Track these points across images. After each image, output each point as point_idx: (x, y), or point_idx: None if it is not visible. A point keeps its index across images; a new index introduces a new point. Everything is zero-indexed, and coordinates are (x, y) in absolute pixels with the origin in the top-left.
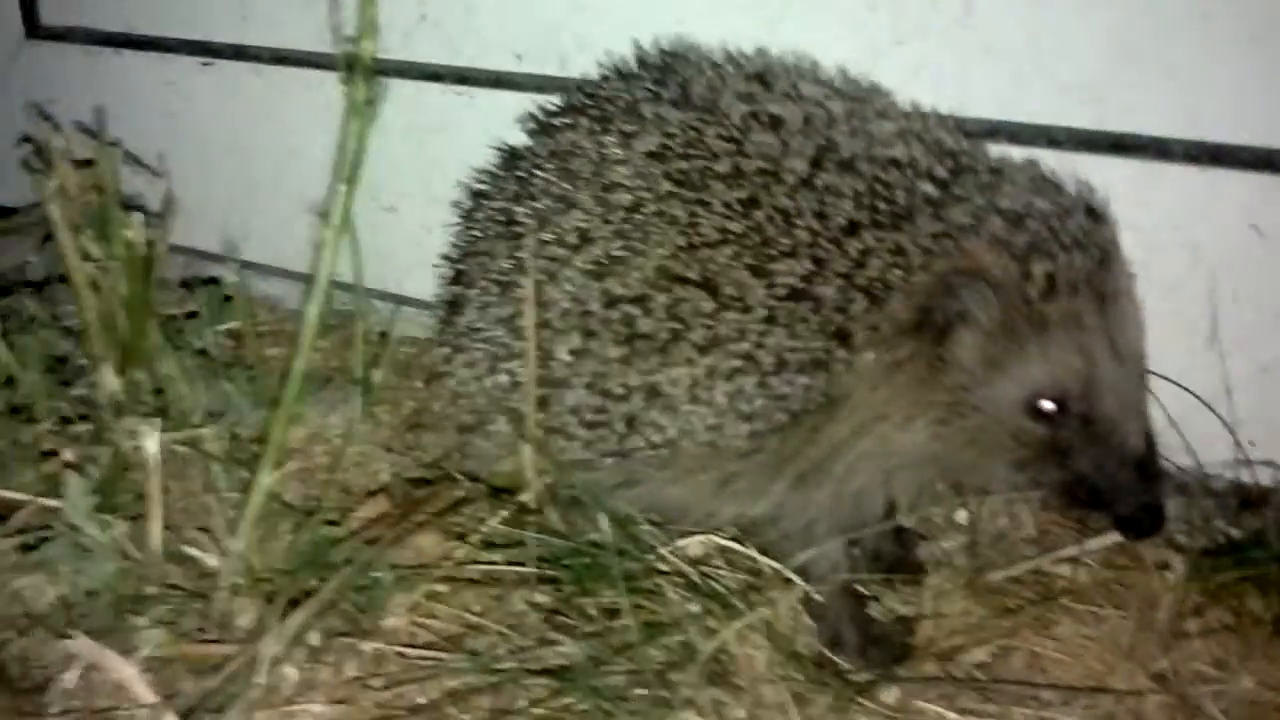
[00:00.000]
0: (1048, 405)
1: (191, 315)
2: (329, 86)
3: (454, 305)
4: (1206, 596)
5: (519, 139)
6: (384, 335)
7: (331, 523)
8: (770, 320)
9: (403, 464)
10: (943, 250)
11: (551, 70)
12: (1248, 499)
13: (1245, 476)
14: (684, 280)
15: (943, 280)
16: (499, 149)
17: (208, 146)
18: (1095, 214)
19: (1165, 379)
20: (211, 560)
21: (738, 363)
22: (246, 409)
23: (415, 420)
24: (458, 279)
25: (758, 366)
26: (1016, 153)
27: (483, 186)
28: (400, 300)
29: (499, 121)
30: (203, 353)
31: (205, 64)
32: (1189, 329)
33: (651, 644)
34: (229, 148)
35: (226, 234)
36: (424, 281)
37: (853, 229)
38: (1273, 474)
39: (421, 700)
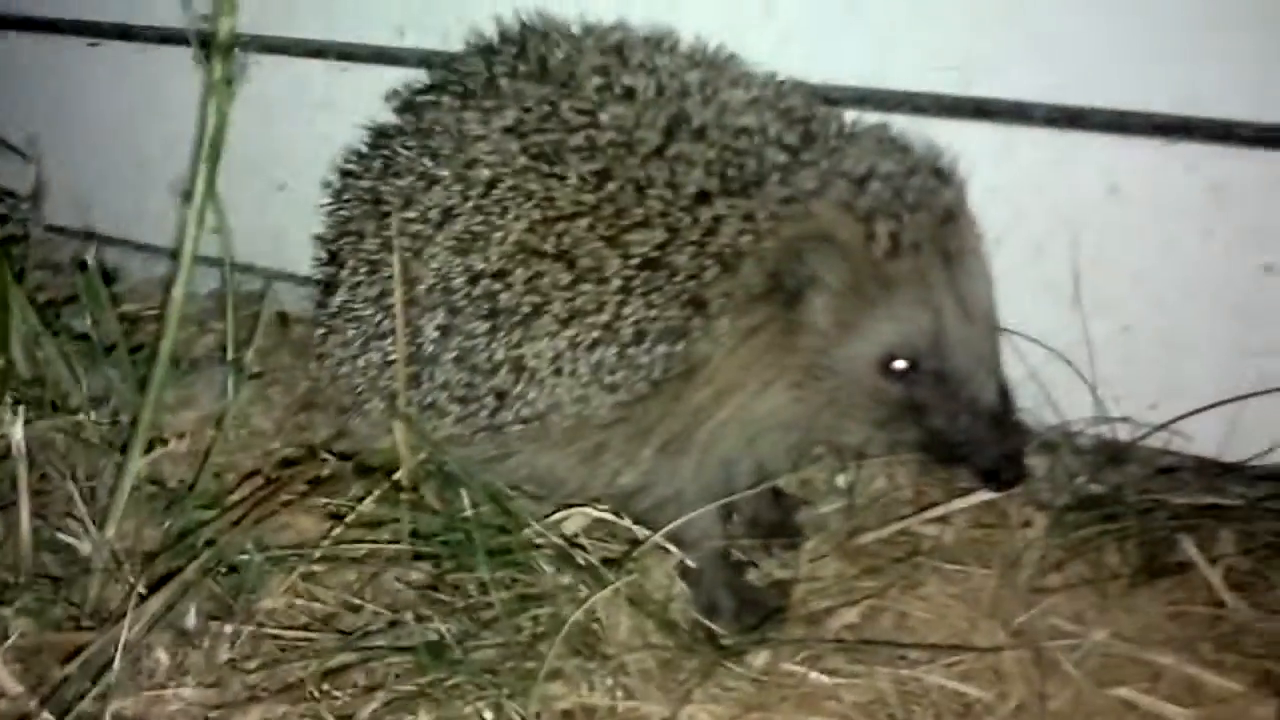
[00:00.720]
0: (900, 363)
1: (72, 300)
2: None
3: (328, 286)
4: (1067, 551)
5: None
6: (282, 316)
7: (208, 506)
8: (626, 291)
9: (295, 444)
10: (790, 215)
11: (434, 44)
12: (1109, 455)
13: (1106, 433)
14: (541, 254)
15: (790, 245)
16: (367, 128)
17: (97, 128)
18: (941, 174)
19: (1030, 339)
20: (84, 546)
21: (597, 334)
22: (128, 393)
23: (308, 400)
24: (331, 259)
25: (617, 337)
26: (884, 120)
27: (351, 166)
28: (293, 279)
29: (384, 97)
30: (85, 337)
31: (92, 44)
32: (1053, 290)
33: (520, 616)
34: (118, 129)
35: (116, 215)
36: None
37: (704, 197)
38: (1132, 430)
39: (292, 680)
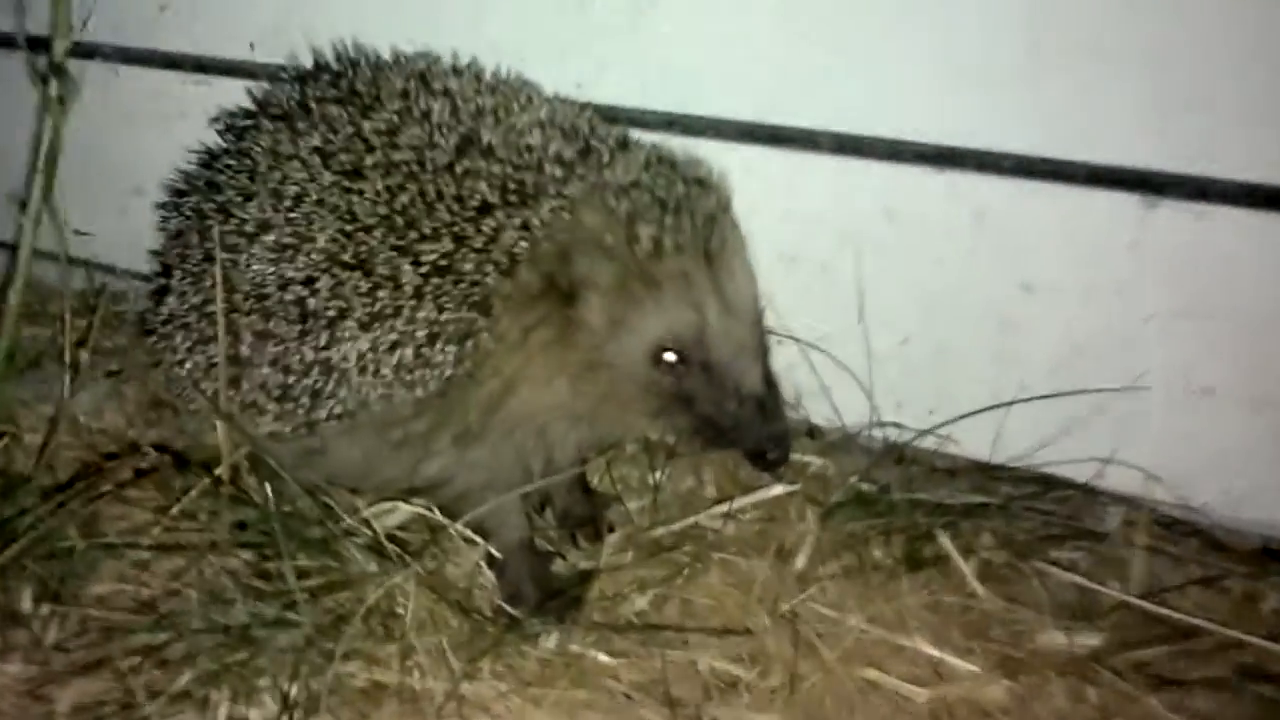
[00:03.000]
0: (669, 356)
1: None
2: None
3: (159, 294)
4: (838, 545)
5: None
6: (142, 316)
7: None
8: (419, 296)
9: (146, 439)
10: (560, 223)
11: (283, 59)
12: (888, 457)
13: (885, 437)
14: (343, 263)
15: (561, 248)
16: (194, 151)
17: None
18: (702, 182)
19: (819, 349)
20: None
21: (395, 336)
22: None
23: (161, 398)
24: (162, 271)
25: (413, 339)
26: (690, 143)
27: (179, 185)
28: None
29: (209, 119)
30: None
31: None
32: (841, 306)
33: (327, 600)
34: None
35: None
36: None
37: (486, 209)
38: (900, 434)
39: (113, 659)
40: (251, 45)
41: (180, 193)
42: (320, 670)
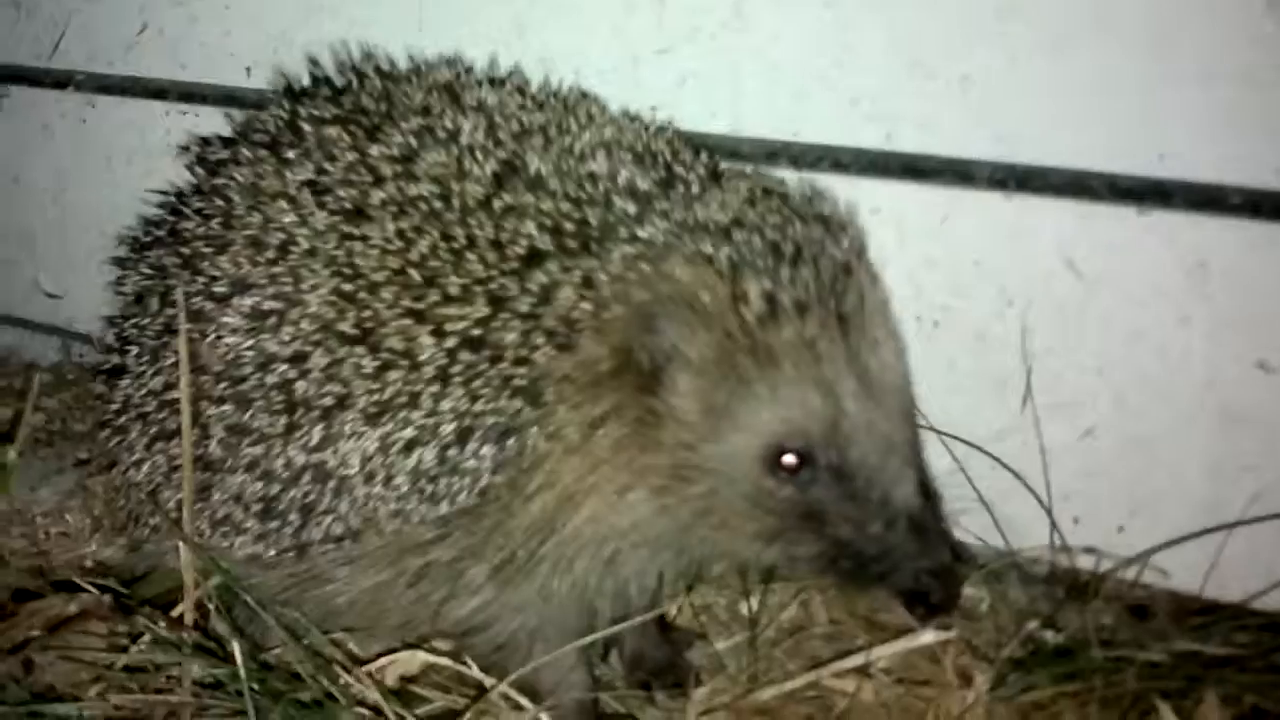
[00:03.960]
0: (790, 458)
1: None
2: None
3: (112, 375)
4: (1015, 717)
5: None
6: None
7: None
8: (444, 379)
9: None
10: (638, 276)
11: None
12: (1069, 592)
13: (1065, 563)
14: (342, 334)
15: (639, 312)
16: (160, 192)
17: None
18: (829, 223)
19: (971, 445)
20: None
21: (412, 433)
22: None
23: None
24: (117, 344)
25: (436, 436)
26: (800, 179)
27: (139, 235)
28: None
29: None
30: None
31: None
32: (999, 385)
33: None
34: None
35: None
36: None
37: (535, 259)
38: (1096, 560)
39: None
40: (248, 70)
41: (140, 245)
42: None
